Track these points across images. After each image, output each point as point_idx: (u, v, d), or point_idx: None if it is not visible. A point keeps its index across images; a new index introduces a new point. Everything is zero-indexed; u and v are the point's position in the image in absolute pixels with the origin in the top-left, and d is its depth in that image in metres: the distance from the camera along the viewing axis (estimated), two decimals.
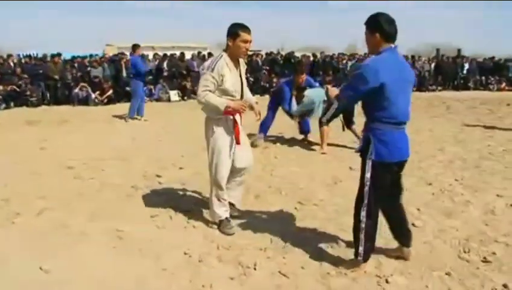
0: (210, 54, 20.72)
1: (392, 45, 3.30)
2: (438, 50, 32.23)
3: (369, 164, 3.30)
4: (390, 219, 3.68)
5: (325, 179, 6.08)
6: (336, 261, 3.66)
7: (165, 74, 17.83)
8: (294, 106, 8.20)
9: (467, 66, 22.83)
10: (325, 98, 7.04)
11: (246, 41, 4.07)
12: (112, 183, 5.85)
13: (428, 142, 8.74)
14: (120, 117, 12.20)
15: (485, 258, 3.70)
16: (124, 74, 15.95)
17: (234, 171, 4.43)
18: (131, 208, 4.99)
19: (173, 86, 16.97)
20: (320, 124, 7.87)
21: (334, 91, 7.38)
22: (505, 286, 3.32)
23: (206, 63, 4.15)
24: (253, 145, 7.34)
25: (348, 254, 3.76)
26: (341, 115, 7.92)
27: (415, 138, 9.15)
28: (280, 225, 4.47)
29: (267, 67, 20.16)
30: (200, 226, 4.45)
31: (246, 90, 4.42)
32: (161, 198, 5.27)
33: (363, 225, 3.39)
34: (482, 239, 4.10)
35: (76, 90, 15.18)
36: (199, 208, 4.94)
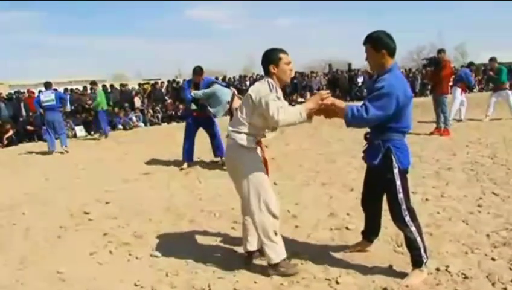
0: (112, 86, 20.37)
1: (395, 61, 3.54)
2: (330, 65, 34.16)
3: (396, 172, 3.48)
4: (375, 218, 4.03)
5: None
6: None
7: (68, 109, 17.25)
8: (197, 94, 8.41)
9: (360, 78, 24.37)
10: (229, 100, 7.50)
11: (289, 63, 3.79)
12: (38, 227, 5.60)
13: (341, 151, 9.29)
14: (28, 158, 11.70)
15: None
16: (24, 112, 15.34)
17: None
18: (66, 248, 4.85)
19: (78, 122, 16.51)
20: None
21: (238, 102, 7.59)
22: (437, 269, 3.74)
23: (262, 88, 3.67)
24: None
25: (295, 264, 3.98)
26: None
27: (328, 149, 9.70)
28: (222, 246, 4.58)
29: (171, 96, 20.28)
30: (143, 257, 4.43)
31: None
32: (95, 234, 5.16)
33: (413, 228, 3.53)
34: None
35: None
36: (137, 239, 4.92)
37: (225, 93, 7.96)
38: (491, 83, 13.66)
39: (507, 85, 13.22)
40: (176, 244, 4.70)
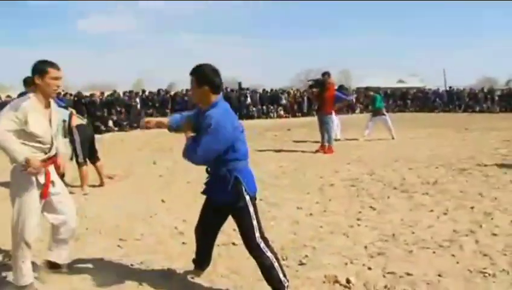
0: None
1: (220, 95, 3.46)
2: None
3: (247, 199, 3.43)
4: (211, 248, 3.98)
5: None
6: None
7: None
8: None
9: (248, 98, 25.08)
10: (65, 119, 7.21)
11: (56, 78, 3.69)
12: None
13: None
14: None
15: (300, 261, 4.23)
16: None
17: (53, 228, 4.05)
18: None
19: None
20: (79, 164, 7.62)
21: (76, 120, 7.19)
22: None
23: (11, 103, 3.66)
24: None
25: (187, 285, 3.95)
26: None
27: None
28: (108, 263, 4.41)
29: None
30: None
31: (58, 136, 3.96)
32: None
33: (269, 254, 3.47)
34: (293, 246, 4.70)
35: None
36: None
37: (61, 113, 7.60)
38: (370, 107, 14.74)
39: (383, 110, 14.34)
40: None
